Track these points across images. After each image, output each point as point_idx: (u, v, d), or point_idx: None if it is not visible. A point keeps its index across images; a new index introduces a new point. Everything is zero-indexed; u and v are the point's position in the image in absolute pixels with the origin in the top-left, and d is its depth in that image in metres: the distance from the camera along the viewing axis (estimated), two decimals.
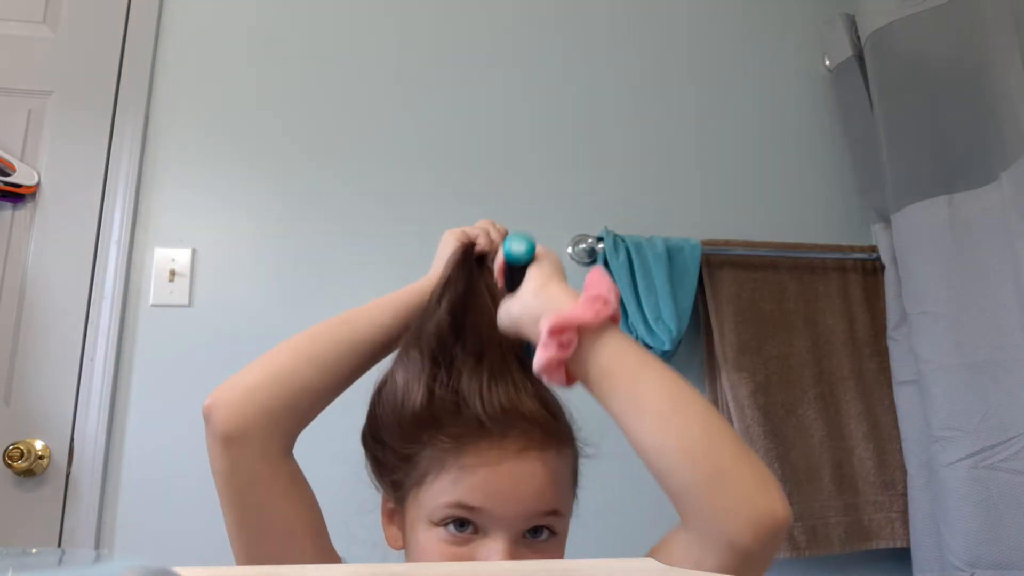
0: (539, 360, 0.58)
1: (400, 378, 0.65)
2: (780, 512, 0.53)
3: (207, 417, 0.63)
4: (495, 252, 0.74)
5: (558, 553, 0.63)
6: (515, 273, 0.67)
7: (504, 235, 0.76)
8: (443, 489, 0.60)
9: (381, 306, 0.70)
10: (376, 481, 0.68)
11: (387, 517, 0.69)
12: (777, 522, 0.53)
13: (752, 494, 0.53)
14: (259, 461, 0.62)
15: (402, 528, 0.66)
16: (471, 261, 0.72)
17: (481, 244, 0.74)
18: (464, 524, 0.60)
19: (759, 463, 0.55)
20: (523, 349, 0.65)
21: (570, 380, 0.60)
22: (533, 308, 0.61)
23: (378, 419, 0.66)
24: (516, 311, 0.63)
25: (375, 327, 0.69)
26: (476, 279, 0.70)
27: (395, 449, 0.64)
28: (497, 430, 0.60)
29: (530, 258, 0.66)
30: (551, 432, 0.62)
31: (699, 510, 0.55)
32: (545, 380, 0.60)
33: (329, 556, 0.67)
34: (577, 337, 0.58)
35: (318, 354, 0.66)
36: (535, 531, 0.62)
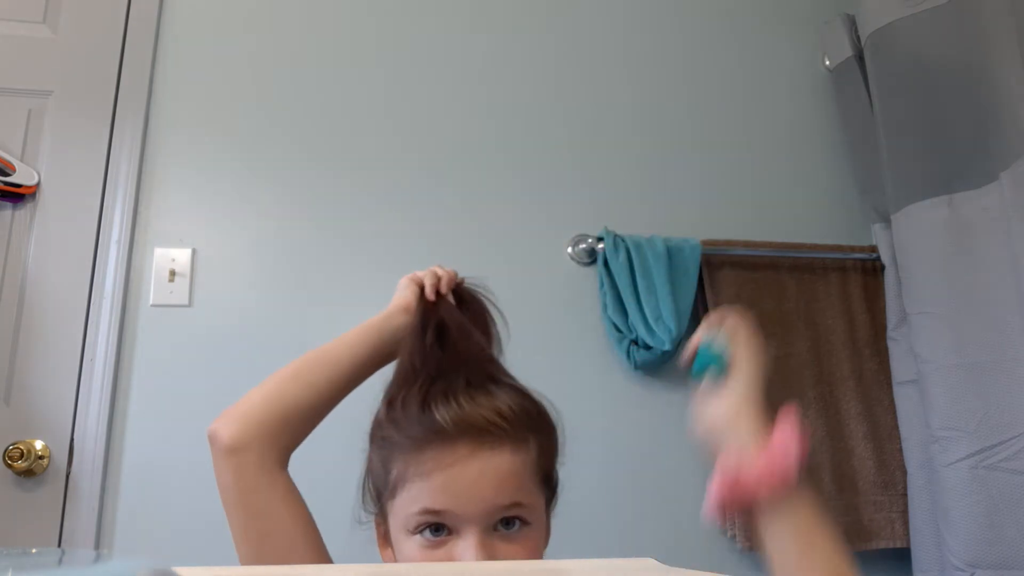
0: (706, 512, 0.62)
1: (382, 400, 0.73)
2: None
3: (212, 438, 0.72)
4: (446, 283, 0.83)
5: (537, 541, 0.68)
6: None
7: (453, 276, 0.85)
8: (410, 498, 0.66)
9: (352, 333, 0.80)
10: (369, 494, 0.74)
11: (382, 539, 0.73)
12: None
13: None
14: (257, 470, 0.70)
15: (391, 545, 0.70)
16: (425, 306, 0.80)
17: (427, 286, 0.82)
18: (439, 528, 0.65)
19: None
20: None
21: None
22: (718, 434, 0.65)
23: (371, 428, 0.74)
24: (707, 428, 0.66)
25: (350, 349, 0.78)
26: (429, 317, 0.78)
27: (377, 455, 0.71)
28: (448, 434, 0.65)
29: (722, 366, 0.66)
30: (502, 435, 0.67)
31: None
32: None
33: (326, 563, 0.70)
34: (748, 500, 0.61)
35: (302, 376, 0.76)
36: (508, 524, 0.66)
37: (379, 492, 0.71)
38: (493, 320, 0.85)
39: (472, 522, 0.64)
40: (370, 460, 0.73)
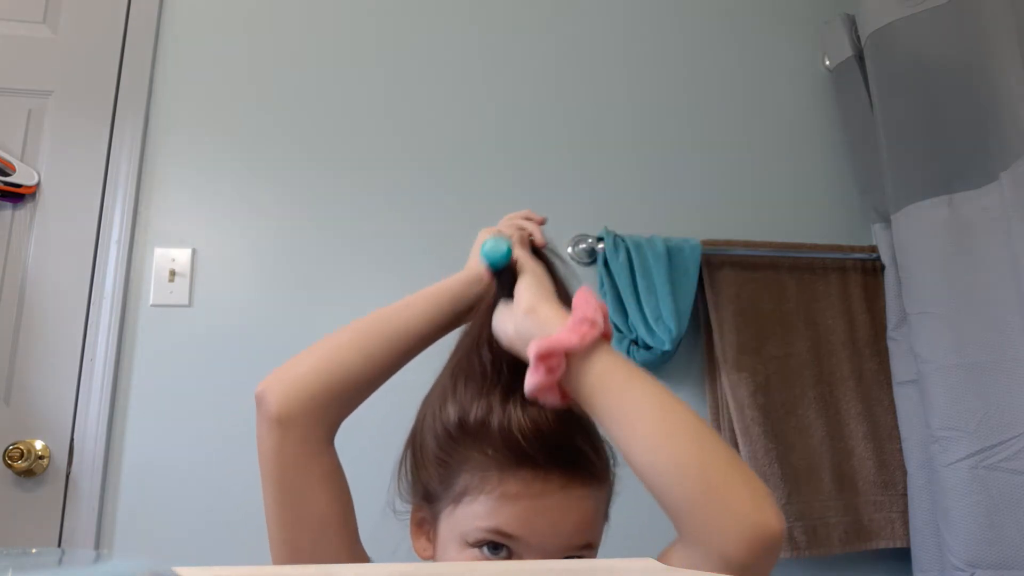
0: (529, 384, 0.59)
1: (448, 386, 0.67)
2: (773, 526, 0.53)
3: (259, 400, 0.64)
4: (537, 242, 0.75)
5: None
6: (502, 276, 0.67)
7: (541, 223, 0.77)
8: (482, 512, 0.62)
9: (422, 298, 0.71)
10: (410, 488, 0.70)
11: (416, 527, 0.69)
12: (771, 536, 0.53)
13: (744, 510, 0.53)
14: (302, 445, 0.64)
15: (432, 541, 0.67)
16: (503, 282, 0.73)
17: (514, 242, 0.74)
18: (498, 547, 0.62)
19: (752, 477, 0.56)
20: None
21: (564, 399, 0.61)
22: (525, 331, 0.62)
23: (424, 421, 0.68)
24: (511, 332, 0.63)
25: (417, 317, 0.70)
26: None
27: (436, 456, 0.66)
28: (542, 462, 0.61)
29: (506, 262, 0.66)
30: (593, 470, 0.64)
31: (693, 527, 0.55)
32: (540, 401, 0.61)
33: (356, 553, 0.67)
34: (565, 361, 0.58)
35: (361, 344, 0.67)
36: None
37: (431, 491, 0.66)
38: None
39: (539, 555, 0.61)
40: (419, 454, 0.68)
